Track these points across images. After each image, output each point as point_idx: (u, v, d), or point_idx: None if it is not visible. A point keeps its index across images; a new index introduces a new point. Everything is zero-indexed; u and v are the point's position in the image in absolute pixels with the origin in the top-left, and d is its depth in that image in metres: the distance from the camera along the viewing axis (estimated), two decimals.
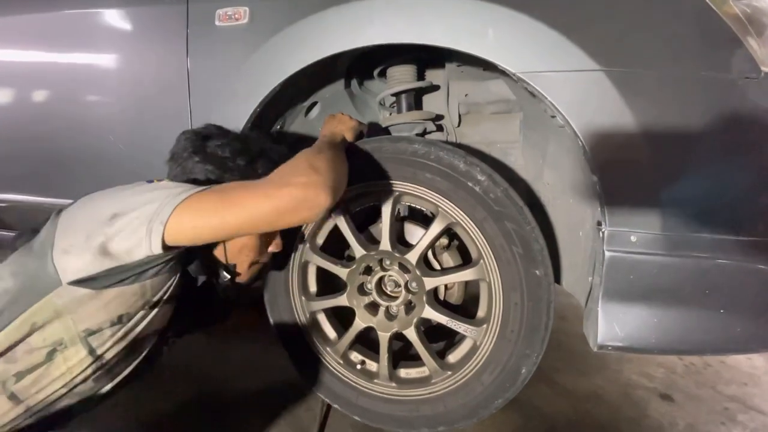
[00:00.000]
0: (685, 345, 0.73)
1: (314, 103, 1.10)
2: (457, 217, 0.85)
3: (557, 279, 1.01)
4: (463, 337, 0.95)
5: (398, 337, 0.97)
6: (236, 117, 0.92)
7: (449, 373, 0.92)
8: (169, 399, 1.21)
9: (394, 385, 0.97)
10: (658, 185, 0.68)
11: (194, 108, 0.97)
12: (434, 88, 1.14)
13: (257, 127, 0.96)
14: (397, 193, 0.89)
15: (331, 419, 1.10)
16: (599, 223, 0.74)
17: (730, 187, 0.68)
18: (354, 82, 1.13)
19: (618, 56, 0.66)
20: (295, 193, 0.64)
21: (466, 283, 1.02)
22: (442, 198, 0.85)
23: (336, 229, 0.96)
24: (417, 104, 1.13)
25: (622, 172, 0.69)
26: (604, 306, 0.74)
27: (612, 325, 0.74)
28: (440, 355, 0.97)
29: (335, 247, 1.02)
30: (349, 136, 0.90)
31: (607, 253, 0.72)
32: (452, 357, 0.96)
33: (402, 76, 1.03)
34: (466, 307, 1.10)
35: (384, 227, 0.91)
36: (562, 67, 0.68)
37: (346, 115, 0.93)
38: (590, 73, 0.67)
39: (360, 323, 0.98)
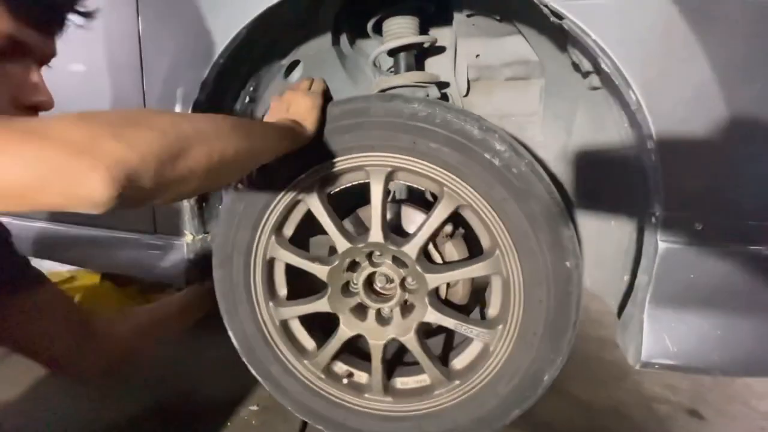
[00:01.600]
0: (758, 366, 0.56)
1: (296, 62, 0.92)
2: (468, 198, 0.68)
3: None
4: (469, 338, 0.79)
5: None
6: (195, 73, 0.75)
7: (457, 382, 0.77)
8: (134, 405, 1.08)
9: (389, 399, 0.81)
10: (737, 155, 0.51)
11: (146, 64, 0.80)
12: (439, 50, 0.96)
13: (221, 85, 0.79)
14: (389, 169, 0.72)
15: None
16: (650, 206, 0.57)
17: None
18: (343, 39, 0.95)
19: None
20: (51, 158, 0.33)
21: (473, 278, 0.85)
22: (450, 174, 0.68)
23: (309, 215, 0.79)
24: (419, 68, 0.95)
25: (688, 136, 0.52)
26: (651, 313, 0.58)
27: (662, 337, 0.57)
28: (443, 360, 0.81)
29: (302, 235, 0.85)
30: (310, 121, 0.68)
31: (662, 245, 0.55)
32: (458, 362, 0.80)
33: (400, 30, 0.86)
34: (468, 303, 0.94)
35: (374, 213, 0.73)
36: None
37: (300, 91, 0.71)
38: None
39: (346, 331, 0.81)
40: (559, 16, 0.54)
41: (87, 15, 0.58)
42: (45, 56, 0.57)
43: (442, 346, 0.94)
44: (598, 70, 0.60)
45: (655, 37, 0.51)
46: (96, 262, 1.00)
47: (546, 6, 0.54)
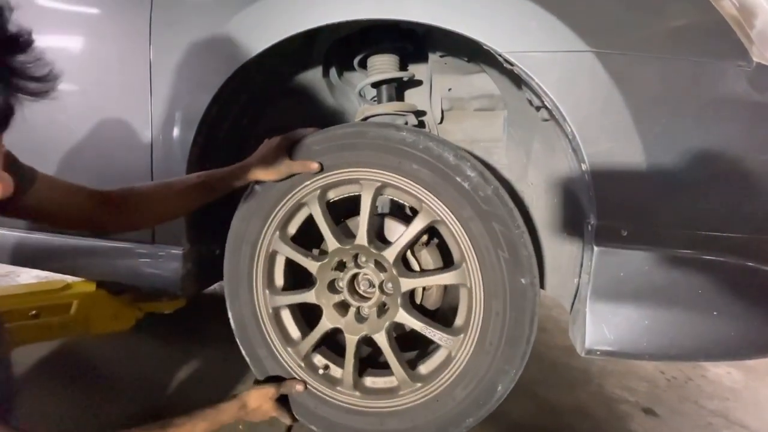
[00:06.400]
0: (677, 350, 0.67)
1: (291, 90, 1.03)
2: (441, 214, 0.78)
3: (541, 284, 0.96)
4: (437, 347, 0.87)
5: (367, 342, 0.89)
6: (200, 98, 0.85)
7: (419, 384, 0.84)
8: (120, 412, 1.09)
9: (358, 394, 0.88)
10: (649, 175, 0.64)
11: (155, 88, 0.89)
12: (417, 83, 1.09)
13: (222, 110, 0.88)
14: (379, 184, 0.82)
15: None
16: (587, 217, 0.69)
17: (721, 179, 0.65)
18: (333, 72, 1.07)
19: (608, 37, 0.63)
20: None
21: (446, 286, 0.95)
22: (427, 192, 0.78)
23: (310, 220, 0.89)
24: (399, 99, 1.08)
25: (612, 160, 0.65)
26: (592, 306, 0.69)
27: (600, 327, 0.68)
28: (411, 365, 0.88)
29: (306, 241, 0.94)
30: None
31: (596, 248, 0.67)
32: (424, 368, 0.88)
33: (383, 66, 0.98)
34: (443, 313, 1.03)
35: (362, 218, 0.83)
36: (550, 47, 0.64)
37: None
38: (579, 54, 0.63)
39: (327, 323, 0.89)
40: (511, 63, 0.67)
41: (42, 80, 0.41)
42: None
43: (415, 356, 1.02)
44: (544, 105, 0.73)
45: (584, 82, 0.64)
46: (94, 271, 1.04)
47: (500, 55, 0.67)
